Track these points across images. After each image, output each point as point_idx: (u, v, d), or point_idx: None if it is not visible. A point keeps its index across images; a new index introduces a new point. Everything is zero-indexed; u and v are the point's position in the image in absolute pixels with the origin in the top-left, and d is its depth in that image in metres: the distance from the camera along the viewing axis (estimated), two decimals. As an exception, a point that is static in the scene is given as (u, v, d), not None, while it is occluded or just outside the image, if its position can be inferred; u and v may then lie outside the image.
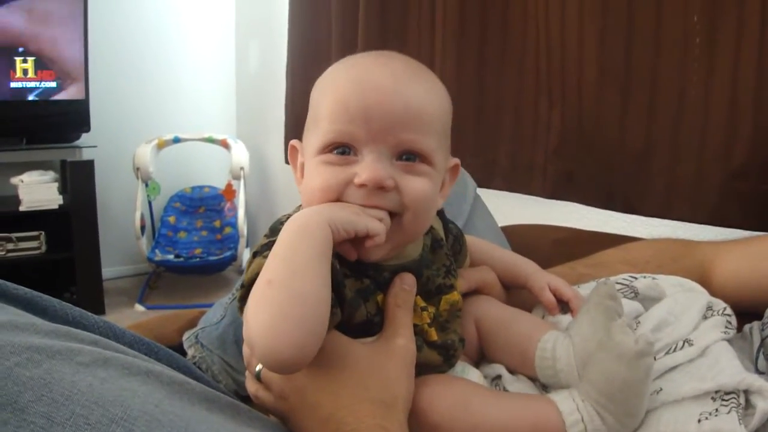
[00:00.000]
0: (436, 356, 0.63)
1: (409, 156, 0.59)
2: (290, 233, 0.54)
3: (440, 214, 0.73)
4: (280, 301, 0.50)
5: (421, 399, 0.59)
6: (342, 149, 0.58)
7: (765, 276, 0.81)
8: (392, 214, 0.58)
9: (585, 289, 0.79)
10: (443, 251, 0.68)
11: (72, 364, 0.47)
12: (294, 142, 0.67)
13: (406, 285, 0.61)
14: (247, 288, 0.55)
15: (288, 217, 0.62)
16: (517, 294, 0.80)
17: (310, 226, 0.54)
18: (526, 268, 0.80)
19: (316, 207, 0.57)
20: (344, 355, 0.57)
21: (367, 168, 0.57)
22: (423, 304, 0.63)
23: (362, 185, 0.57)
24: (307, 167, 0.62)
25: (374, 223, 0.56)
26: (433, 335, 0.63)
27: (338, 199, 0.58)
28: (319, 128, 0.60)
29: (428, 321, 0.63)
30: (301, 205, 0.67)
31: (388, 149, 0.58)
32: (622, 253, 0.93)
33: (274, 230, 0.60)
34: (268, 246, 0.57)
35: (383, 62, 0.61)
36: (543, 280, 0.76)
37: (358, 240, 0.56)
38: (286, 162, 2.65)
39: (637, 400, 0.57)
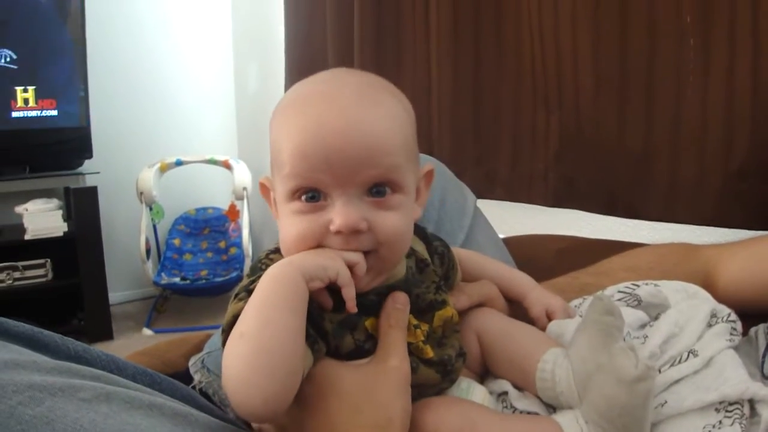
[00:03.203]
0: (434, 374, 0.62)
1: (379, 189, 0.57)
2: (264, 288, 0.54)
3: (423, 234, 0.72)
4: (250, 355, 0.51)
5: (425, 423, 0.58)
6: (311, 194, 0.57)
7: None
8: (369, 251, 0.58)
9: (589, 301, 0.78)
10: (430, 269, 0.68)
11: (74, 400, 0.47)
12: (263, 179, 0.66)
13: (398, 304, 0.61)
14: (226, 332, 0.55)
15: (267, 255, 0.62)
16: (519, 305, 0.79)
17: (282, 279, 0.54)
18: (522, 284, 0.79)
19: (288, 259, 0.57)
20: (335, 381, 0.56)
21: (339, 214, 0.56)
22: (415, 321, 0.62)
23: (338, 232, 0.56)
24: (280, 214, 0.61)
25: (344, 269, 0.55)
26: (429, 352, 0.62)
27: (318, 246, 0.58)
28: (282, 173, 0.58)
29: (422, 338, 0.62)
30: None
31: (357, 188, 0.57)
32: (625, 260, 0.93)
33: (254, 269, 0.60)
34: (247, 288, 0.57)
35: (334, 94, 0.58)
36: (541, 304, 0.76)
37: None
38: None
39: (637, 425, 0.55)
